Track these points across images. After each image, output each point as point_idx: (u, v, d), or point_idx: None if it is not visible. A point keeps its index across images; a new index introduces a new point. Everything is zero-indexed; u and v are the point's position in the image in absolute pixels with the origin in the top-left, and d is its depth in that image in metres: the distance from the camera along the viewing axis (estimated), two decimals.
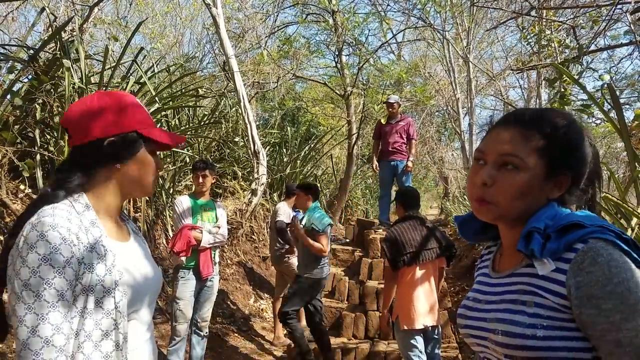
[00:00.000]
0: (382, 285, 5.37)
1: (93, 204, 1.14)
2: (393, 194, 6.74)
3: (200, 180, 3.96)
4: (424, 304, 3.37)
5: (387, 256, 3.43)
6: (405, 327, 3.34)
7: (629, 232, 2.47)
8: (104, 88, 4.74)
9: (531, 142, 0.93)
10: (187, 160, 6.61)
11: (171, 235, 4.88)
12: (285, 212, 5.20)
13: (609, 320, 0.80)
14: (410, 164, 6.52)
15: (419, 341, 3.36)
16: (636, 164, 2.70)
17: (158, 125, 5.94)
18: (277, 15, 10.79)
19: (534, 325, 0.86)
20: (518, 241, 0.97)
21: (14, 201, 3.95)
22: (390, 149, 6.48)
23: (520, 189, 0.92)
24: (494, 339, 0.92)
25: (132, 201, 4.93)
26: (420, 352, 3.35)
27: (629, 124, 3.08)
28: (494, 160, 0.95)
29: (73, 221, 1.06)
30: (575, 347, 0.85)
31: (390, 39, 12.30)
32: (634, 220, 2.57)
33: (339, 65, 9.92)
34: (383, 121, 6.64)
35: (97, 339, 1.04)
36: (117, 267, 1.09)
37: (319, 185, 9.78)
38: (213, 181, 4.13)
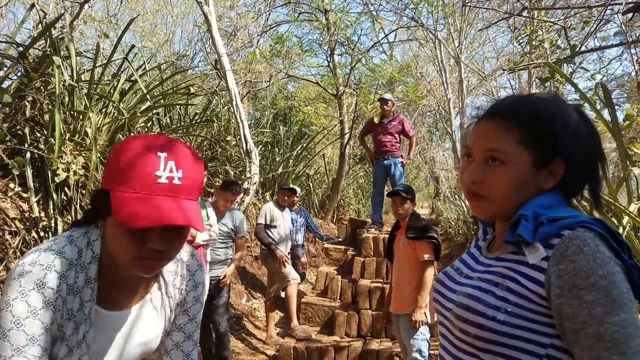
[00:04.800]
0: (375, 284, 5.40)
1: (102, 256, 1.01)
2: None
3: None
4: None
5: (439, 249, 3.56)
6: (430, 321, 3.43)
7: (620, 231, 2.50)
8: (94, 86, 4.70)
9: (513, 133, 0.90)
10: None
11: None
12: (264, 212, 5.20)
13: (590, 312, 0.76)
14: (406, 161, 6.61)
15: None
16: (627, 162, 2.73)
17: (149, 124, 5.88)
18: (269, 14, 10.79)
19: (497, 308, 0.84)
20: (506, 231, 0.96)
21: (3, 200, 3.90)
22: (382, 148, 6.50)
23: (509, 184, 0.89)
24: (456, 312, 0.92)
25: None
26: None
27: (620, 124, 3.11)
28: (480, 157, 0.93)
29: (69, 275, 0.96)
30: (532, 339, 0.82)
31: (382, 38, 12.34)
32: (625, 219, 2.59)
33: (331, 65, 9.93)
34: (376, 120, 6.65)
35: None
36: (90, 334, 0.98)
37: (311, 184, 9.80)
38: (205, 180, 4.15)
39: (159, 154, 0.92)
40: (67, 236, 1.00)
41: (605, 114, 3.11)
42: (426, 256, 3.43)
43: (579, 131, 0.91)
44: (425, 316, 3.40)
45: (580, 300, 0.77)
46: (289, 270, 5.05)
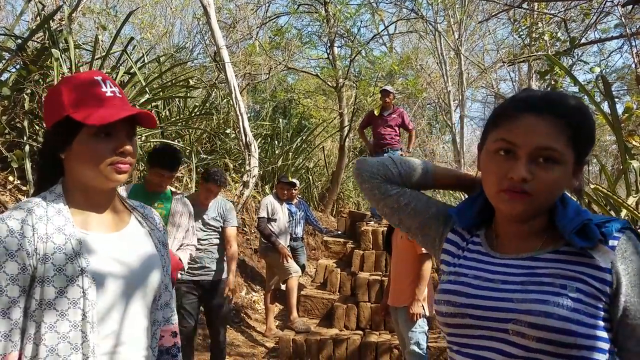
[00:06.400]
0: (374, 277, 5.41)
1: (69, 194, 1.11)
2: None
3: (165, 179, 3.22)
4: None
5: None
6: (428, 314, 3.45)
7: None
8: None
9: (565, 133, 0.89)
10: None
11: None
12: (265, 205, 5.17)
13: None
14: (406, 154, 6.63)
15: None
16: (626, 156, 2.73)
17: None
18: (269, 6, 10.74)
19: (578, 311, 0.84)
20: (531, 230, 0.95)
21: (2, 192, 3.91)
22: (382, 141, 6.50)
23: (558, 184, 0.90)
24: (528, 320, 0.86)
25: None
26: None
27: (620, 117, 3.11)
28: (530, 154, 0.89)
29: (36, 211, 1.04)
30: (602, 336, 0.85)
31: (382, 30, 12.30)
32: (623, 212, 2.60)
33: (330, 57, 9.89)
34: (376, 112, 6.64)
35: (64, 331, 1.01)
36: (84, 256, 1.05)
37: (310, 177, 9.79)
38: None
39: (95, 77, 1.11)
40: (26, 199, 1.11)
41: (606, 107, 3.10)
42: (424, 249, 3.44)
43: None
44: (423, 309, 3.42)
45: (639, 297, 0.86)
46: (291, 263, 5.06)
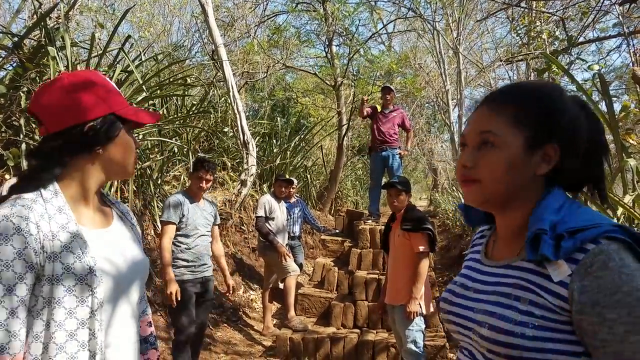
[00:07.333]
0: (371, 275, 5.41)
1: (65, 190, 1.10)
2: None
3: None
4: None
5: (434, 240, 3.53)
6: (425, 312, 3.45)
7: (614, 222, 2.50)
8: None
9: (504, 115, 0.89)
10: (175, 150, 6.56)
11: (160, 228, 4.56)
12: (262, 204, 5.16)
13: (611, 331, 0.73)
14: (404, 152, 6.66)
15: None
16: (623, 154, 2.73)
17: None
18: (267, 4, 10.74)
19: (524, 324, 0.80)
20: (512, 230, 0.92)
21: None
22: (380, 139, 6.50)
23: (500, 166, 0.87)
24: (480, 332, 0.86)
25: (119, 191, 4.88)
26: None
27: (617, 115, 3.10)
28: (473, 141, 0.91)
29: (36, 209, 1.02)
30: (564, 350, 0.79)
31: (381, 29, 12.28)
32: (620, 210, 2.60)
33: (329, 56, 9.88)
34: (378, 108, 6.65)
35: (71, 328, 1.02)
36: (90, 254, 1.05)
37: (309, 176, 9.78)
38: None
39: (106, 79, 1.17)
40: (16, 196, 1.06)
41: (603, 106, 3.11)
42: (421, 248, 3.44)
43: (578, 119, 0.88)
44: (420, 307, 3.42)
45: (601, 317, 0.74)
46: (289, 261, 5.06)
